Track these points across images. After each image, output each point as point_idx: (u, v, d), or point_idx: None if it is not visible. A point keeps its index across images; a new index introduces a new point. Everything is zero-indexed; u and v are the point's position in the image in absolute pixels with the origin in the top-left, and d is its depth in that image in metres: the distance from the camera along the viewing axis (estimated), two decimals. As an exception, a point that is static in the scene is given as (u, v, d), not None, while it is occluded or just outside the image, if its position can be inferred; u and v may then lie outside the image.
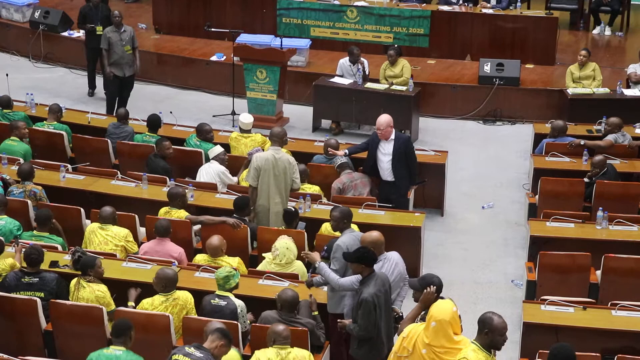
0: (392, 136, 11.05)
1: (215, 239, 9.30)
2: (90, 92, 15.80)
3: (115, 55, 14.34)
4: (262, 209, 10.31)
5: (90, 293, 8.50)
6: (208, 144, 11.94)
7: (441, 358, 6.89)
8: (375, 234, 8.46)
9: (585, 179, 11.36)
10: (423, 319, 7.43)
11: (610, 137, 12.13)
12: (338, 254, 8.57)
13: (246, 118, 12.21)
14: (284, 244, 9.22)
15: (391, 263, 8.44)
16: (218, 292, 8.43)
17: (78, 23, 15.67)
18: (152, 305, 8.37)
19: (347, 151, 11.47)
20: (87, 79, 15.86)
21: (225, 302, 8.35)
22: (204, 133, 12.10)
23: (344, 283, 8.17)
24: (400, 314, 8.26)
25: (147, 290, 8.64)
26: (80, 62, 16.82)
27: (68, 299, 8.60)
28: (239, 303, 8.40)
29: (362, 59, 14.62)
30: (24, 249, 8.94)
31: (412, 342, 7.01)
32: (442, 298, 7.53)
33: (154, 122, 12.37)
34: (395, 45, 15.05)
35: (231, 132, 12.74)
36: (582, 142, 12.08)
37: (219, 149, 11.51)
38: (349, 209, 9.10)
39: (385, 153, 11.05)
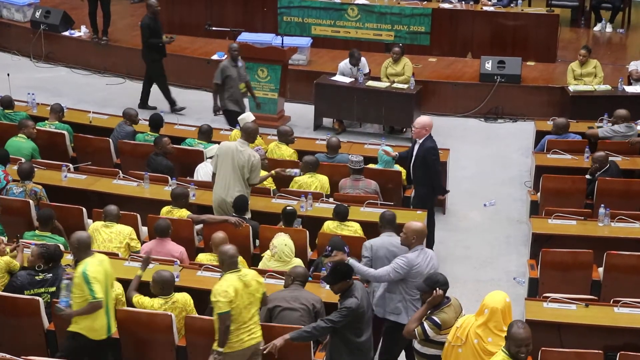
0: (422, 140, 10.78)
1: (220, 234, 9.26)
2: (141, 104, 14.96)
3: (232, 90, 13.54)
4: (216, 197, 10.27)
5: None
6: (208, 145, 11.92)
7: (489, 350, 6.82)
8: (419, 224, 8.44)
9: (587, 176, 11.36)
10: (428, 319, 7.44)
11: (600, 130, 12.34)
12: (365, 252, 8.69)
13: (248, 117, 12.19)
14: (282, 241, 9.23)
15: (427, 256, 8.33)
16: None
17: (145, 38, 14.85)
18: (152, 308, 8.34)
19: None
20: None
21: None
22: (205, 133, 12.09)
23: (380, 274, 8.20)
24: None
25: (147, 290, 8.63)
26: (81, 62, 16.84)
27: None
28: None
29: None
30: (26, 249, 8.93)
31: (465, 332, 6.97)
32: (447, 298, 7.53)
33: (156, 122, 12.37)
34: (400, 44, 15.07)
35: (232, 130, 12.73)
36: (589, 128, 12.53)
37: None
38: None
39: (413, 154, 10.85)
